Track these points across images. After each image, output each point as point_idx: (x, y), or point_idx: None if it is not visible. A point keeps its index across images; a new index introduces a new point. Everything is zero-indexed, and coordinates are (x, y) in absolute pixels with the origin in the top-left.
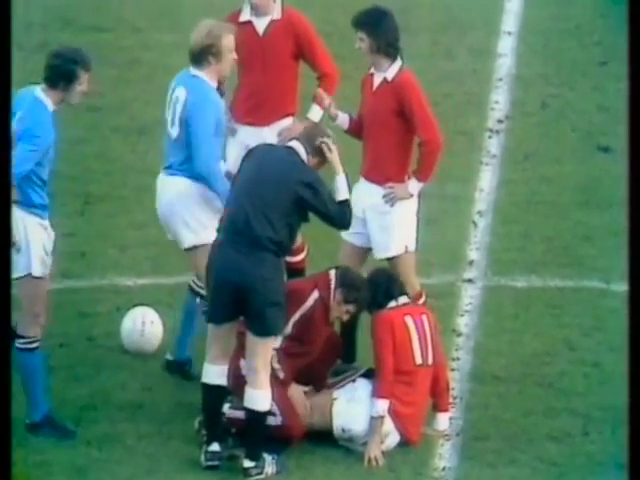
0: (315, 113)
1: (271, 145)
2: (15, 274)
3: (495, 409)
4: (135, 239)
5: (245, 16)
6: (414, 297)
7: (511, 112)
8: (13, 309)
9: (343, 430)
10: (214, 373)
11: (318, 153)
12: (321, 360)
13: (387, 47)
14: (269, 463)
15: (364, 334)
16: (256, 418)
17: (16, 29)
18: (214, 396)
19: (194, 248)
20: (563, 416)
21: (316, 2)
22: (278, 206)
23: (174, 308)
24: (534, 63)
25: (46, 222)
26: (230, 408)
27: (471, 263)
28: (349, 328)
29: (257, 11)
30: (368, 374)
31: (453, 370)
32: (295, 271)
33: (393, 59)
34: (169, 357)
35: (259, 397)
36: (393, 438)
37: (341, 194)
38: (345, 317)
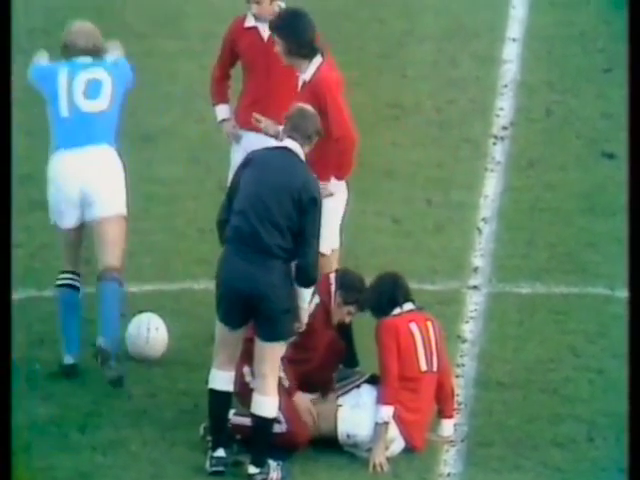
0: None
1: (268, 150)
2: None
3: (500, 415)
4: (139, 246)
5: (250, 22)
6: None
7: (515, 119)
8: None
9: (348, 436)
10: (221, 379)
11: (313, 136)
12: (324, 365)
13: (300, 48)
14: (274, 469)
15: (368, 340)
16: (263, 424)
17: (18, 34)
18: (221, 402)
19: (114, 218)
20: (567, 422)
21: (320, 10)
22: (283, 213)
23: (179, 314)
24: (538, 70)
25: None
26: (235, 415)
27: (476, 270)
28: (345, 332)
29: (260, 19)
30: (372, 380)
31: (458, 376)
32: None
33: (309, 59)
34: (67, 361)
35: (266, 403)
36: (398, 444)
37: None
38: (347, 319)
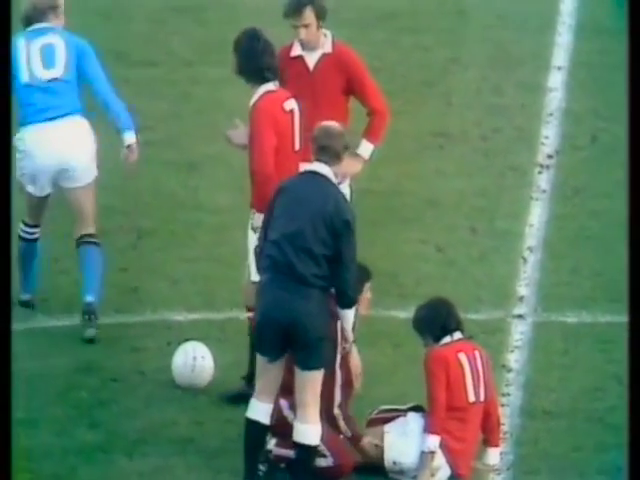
0: (365, 149)
1: (299, 176)
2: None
3: (545, 444)
4: (186, 274)
5: (296, 51)
6: None
7: (561, 147)
8: None
9: (394, 463)
10: (257, 410)
11: (342, 153)
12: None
13: (245, 70)
14: None
15: (417, 369)
16: (306, 453)
17: None
18: (254, 432)
19: (88, 185)
20: (613, 451)
21: (364, 38)
22: (317, 240)
23: (225, 343)
24: (584, 97)
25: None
26: (276, 445)
27: (521, 299)
28: None
29: (307, 46)
30: (418, 409)
31: (503, 405)
32: None
33: (253, 84)
34: (24, 297)
35: (309, 431)
36: (444, 472)
37: None
38: (368, 307)
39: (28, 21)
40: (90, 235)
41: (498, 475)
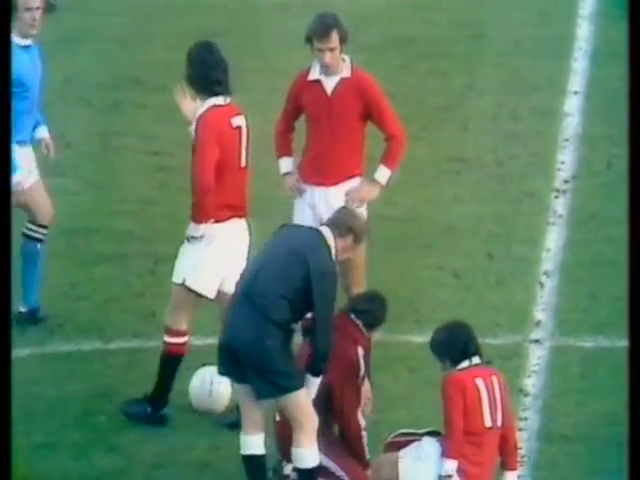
0: (382, 174)
1: (300, 226)
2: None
3: (563, 468)
4: (203, 300)
5: (314, 75)
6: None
7: (577, 172)
8: None
9: None
10: (249, 444)
11: (350, 233)
12: None
13: (192, 81)
14: None
15: (433, 394)
16: (306, 476)
17: (87, 88)
18: (254, 466)
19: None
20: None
21: (381, 63)
22: (284, 276)
23: None
24: (600, 123)
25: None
26: (293, 471)
27: (538, 324)
28: None
29: (327, 70)
30: (433, 433)
31: (521, 429)
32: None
33: (202, 96)
34: (22, 309)
35: (306, 455)
36: None
37: None
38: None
39: None
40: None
41: None
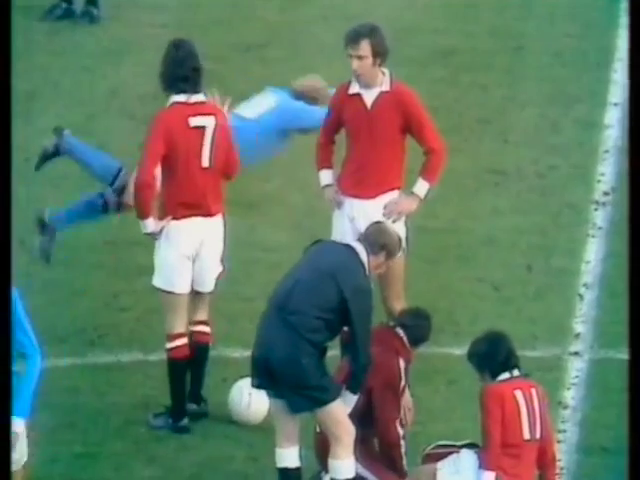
0: (420, 188)
1: (334, 242)
2: None
3: None
4: (242, 311)
5: (354, 88)
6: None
7: (617, 184)
8: None
9: None
10: (283, 457)
11: (383, 250)
12: None
13: (161, 77)
14: None
15: (472, 406)
16: None
17: (131, 100)
18: (288, 478)
19: None
20: None
21: (422, 76)
22: (320, 297)
23: None
24: None
25: None
26: None
27: (577, 336)
28: None
29: (363, 83)
30: (471, 446)
31: (560, 442)
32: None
33: (168, 92)
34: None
35: (342, 467)
36: None
37: None
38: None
39: None
40: None
41: None
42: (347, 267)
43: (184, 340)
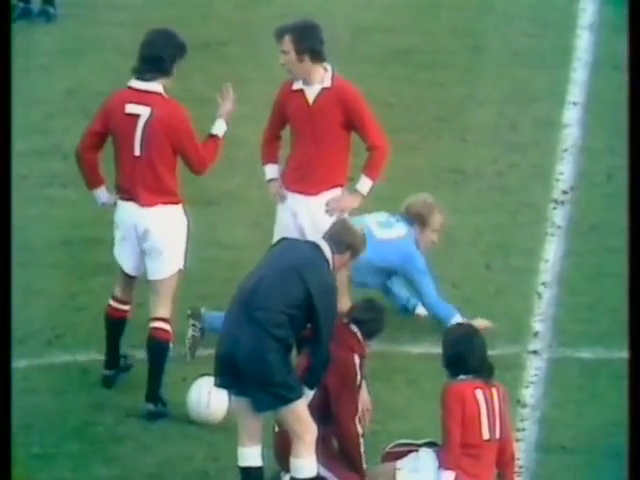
0: (363, 185)
1: (299, 240)
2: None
3: (562, 479)
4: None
5: (298, 84)
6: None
7: (576, 183)
8: None
9: None
10: (246, 456)
11: (348, 249)
12: None
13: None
14: None
15: (431, 404)
16: None
17: (88, 98)
18: (250, 478)
19: None
20: None
21: (381, 75)
22: (285, 292)
23: None
24: (599, 134)
25: None
26: None
27: (536, 334)
28: None
29: (296, 78)
30: (430, 445)
31: (519, 440)
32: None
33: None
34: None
35: (304, 466)
36: None
37: None
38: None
39: None
40: None
41: None
42: (312, 264)
43: (119, 304)
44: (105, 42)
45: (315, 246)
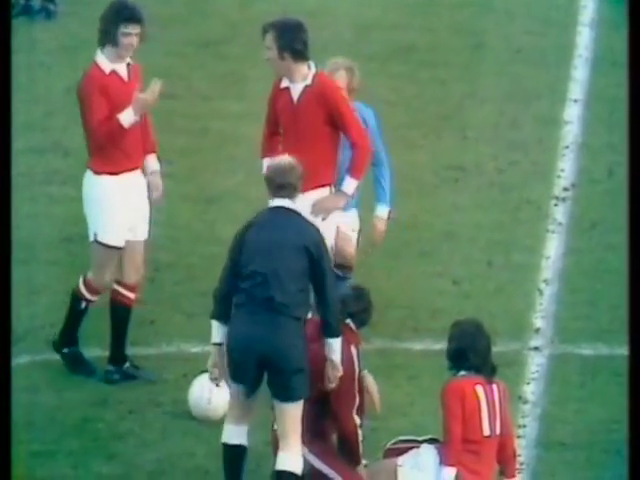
0: (348, 185)
1: (266, 212)
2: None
3: (562, 475)
4: (201, 307)
5: (285, 82)
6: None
7: (577, 180)
8: None
9: None
10: (230, 434)
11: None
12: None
13: None
14: None
15: (432, 401)
16: None
17: None
18: (230, 455)
19: None
20: None
21: (382, 72)
22: (295, 270)
23: None
24: (600, 131)
25: None
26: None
27: (537, 331)
28: None
29: (280, 75)
30: (432, 441)
31: (519, 437)
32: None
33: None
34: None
35: (290, 458)
36: None
37: None
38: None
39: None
40: None
41: None
42: (302, 230)
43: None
44: None
45: (292, 212)
